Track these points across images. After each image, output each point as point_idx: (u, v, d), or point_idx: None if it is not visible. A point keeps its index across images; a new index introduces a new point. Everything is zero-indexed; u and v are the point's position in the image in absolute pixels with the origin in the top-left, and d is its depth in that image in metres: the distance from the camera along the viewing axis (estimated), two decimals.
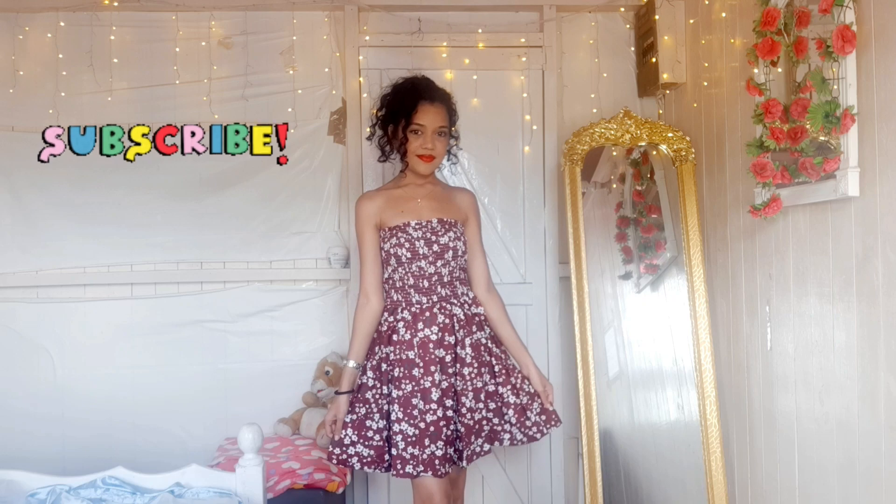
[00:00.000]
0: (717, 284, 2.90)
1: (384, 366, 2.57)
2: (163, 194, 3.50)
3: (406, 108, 2.58)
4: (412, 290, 2.57)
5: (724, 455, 2.81)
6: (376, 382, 2.58)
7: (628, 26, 3.58)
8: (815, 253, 2.19)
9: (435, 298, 2.57)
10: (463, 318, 2.59)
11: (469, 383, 2.56)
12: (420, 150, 2.58)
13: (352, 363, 2.59)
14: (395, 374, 2.52)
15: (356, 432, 2.54)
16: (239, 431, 2.44)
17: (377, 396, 2.57)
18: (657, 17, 3.24)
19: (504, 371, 2.66)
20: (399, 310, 2.58)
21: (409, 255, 2.56)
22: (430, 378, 2.50)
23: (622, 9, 3.56)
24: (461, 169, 3.52)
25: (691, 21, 3.18)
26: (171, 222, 3.51)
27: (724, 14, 2.83)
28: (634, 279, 3.29)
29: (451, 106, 2.67)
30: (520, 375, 2.69)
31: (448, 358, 2.55)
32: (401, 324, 2.56)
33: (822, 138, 2.03)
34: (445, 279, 2.59)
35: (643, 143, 3.11)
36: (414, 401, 2.49)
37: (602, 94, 3.57)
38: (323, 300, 3.59)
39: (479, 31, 3.50)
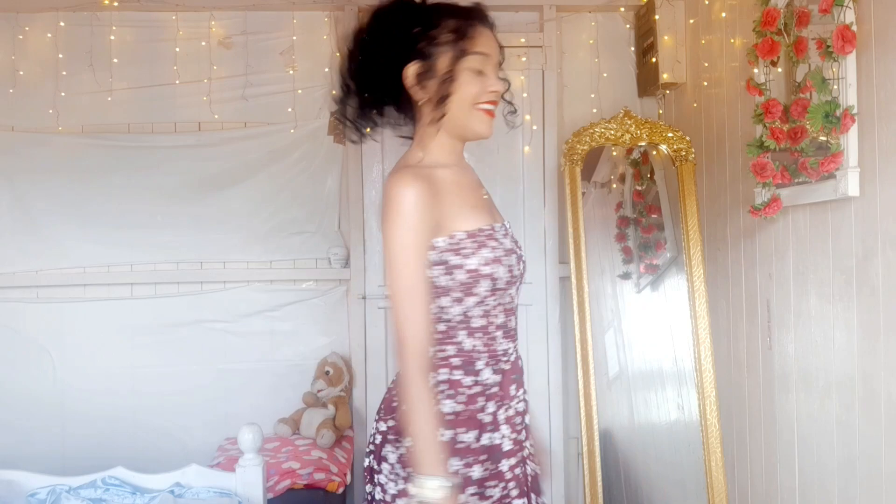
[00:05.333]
0: (717, 284, 2.90)
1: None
2: (163, 194, 3.50)
3: (460, 31, 1.56)
4: (500, 334, 1.61)
5: (724, 455, 2.81)
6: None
7: (628, 26, 3.58)
8: (815, 253, 2.19)
9: (516, 345, 1.66)
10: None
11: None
12: (486, 94, 1.59)
13: (441, 482, 1.43)
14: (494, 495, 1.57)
15: None
16: (239, 431, 2.44)
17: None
18: (657, 17, 3.24)
19: None
20: (476, 365, 1.58)
21: (507, 276, 1.57)
22: (520, 467, 1.63)
23: (622, 9, 3.56)
24: None
25: (691, 21, 3.18)
26: (172, 222, 3.51)
27: (724, 14, 2.83)
28: (634, 279, 3.29)
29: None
30: None
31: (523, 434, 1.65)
32: (493, 388, 1.60)
33: (822, 138, 2.03)
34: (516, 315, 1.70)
35: (643, 143, 3.11)
36: None
37: (602, 94, 3.57)
38: (323, 300, 3.59)
39: None
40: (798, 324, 2.30)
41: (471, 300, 1.55)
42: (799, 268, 2.29)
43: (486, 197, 1.71)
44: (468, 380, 1.57)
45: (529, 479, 1.66)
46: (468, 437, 1.55)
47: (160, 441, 3.44)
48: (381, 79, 1.60)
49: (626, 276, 3.29)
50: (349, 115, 1.65)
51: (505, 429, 1.59)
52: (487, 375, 1.58)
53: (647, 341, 3.21)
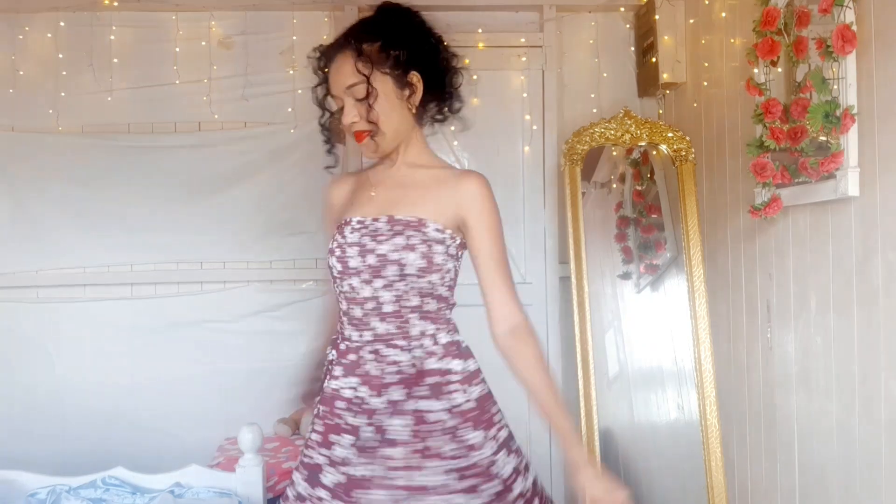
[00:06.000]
0: (717, 284, 2.90)
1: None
2: (163, 194, 3.50)
3: (322, 68, 1.78)
4: (345, 320, 1.74)
5: (724, 455, 2.81)
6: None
7: (628, 26, 3.58)
8: (815, 253, 2.19)
9: (368, 336, 1.70)
10: (410, 371, 1.68)
11: (387, 476, 1.63)
12: (347, 128, 1.75)
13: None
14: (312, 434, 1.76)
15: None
16: (239, 431, 2.44)
17: None
18: (657, 17, 3.24)
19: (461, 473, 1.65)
20: (337, 340, 1.78)
21: (340, 266, 1.72)
22: (326, 451, 1.69)
23: (622, 9, 3.56)
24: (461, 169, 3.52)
25: (691, 21, 3.18)
26: (172, 222, 3.51)
27: (724, 14, 2.83)
28: (634, 279, 3.29)
29: (360, 47, 1.69)
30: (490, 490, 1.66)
31: (368, 432, 1.66)
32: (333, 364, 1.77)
33: (822, 138, 2.03)
34: (387, 308, 1.69)
35: (643, 143, 3.11)
36: (295, 477, 1.75)
37: (602, 94, 3.57)
38: (323, 300, 3.58)
39: (479, 31, 3.50)
40: (798, 324, 2.30)
41: (330, 286, 1.80)
42: (799, 268, 2.29)
43: (373, 195, 1.78)
44: (331, 353, 1.77)
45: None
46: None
47: (160, 441, 3.44)
48: None
49: (626, 276, 3.29)
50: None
51: (321, 406, 1.74)
52: (332, 351, 1.76)
53: (647, 341, 3.21)
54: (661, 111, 3.52)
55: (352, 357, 1.70)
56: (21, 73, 3.48)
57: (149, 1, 3.40)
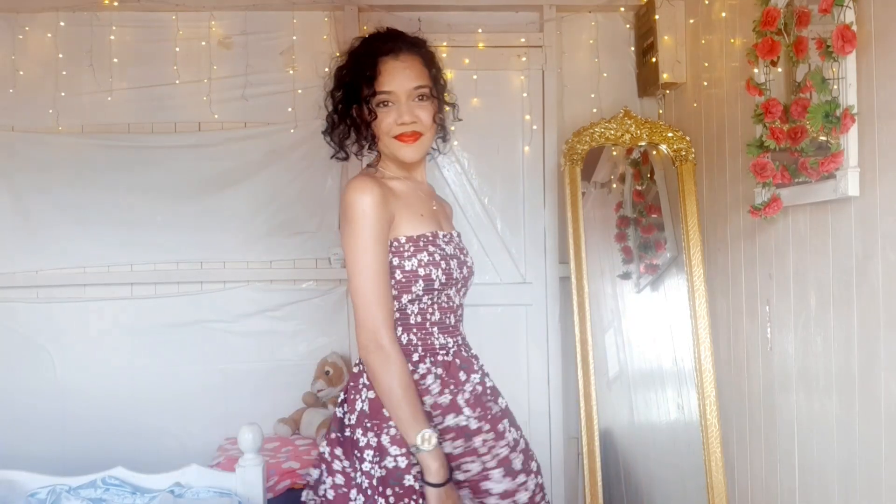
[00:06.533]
0: (717, 284, 2.90)
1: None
2: (163, 194, 3.50)
3: (364, 72, 1.77)
4: (436, 330, 1.81)
5: (724, 455, 2.81)
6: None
7: (628, 26, 3.58)
8: (815, 253, 2.19)
9: (460, 340, 1.87)
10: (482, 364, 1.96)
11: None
12: (396, 127, 1.77)
13: (430, 433, 1.67)
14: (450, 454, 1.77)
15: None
16: (239, 431, 2.44)
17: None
18: (657, 17, 3.24)
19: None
20: (415, 359, 1.79)
21: (444, 278, 1.78)
22: (504, 442, 1.84)
23: (622, 9, 3.56)
24: (461, 169, 3.52)
25: (691, 21, 3.18)
26: (172, 222, 3.51)
27: (724, 14, 2.83)
28: (634, 279, 3.29)
29: (430, 56, 1.84)
30: None
31: (502, 405, 1.92)
32: (429, 378, 1.79)
33: (822, 138, 2.03)
34: (461, 313, 1.91)
35: (643, 143, 3.11)
36: (488, 485, 1.80)
37: (602, 94, 3.56)
38: (323, 300, 3.59)
39: (479, 31, 3.50)
40: (798, 324, 2.30)
41: (405, 298, 1.76)
42: (799, 268, 2.29)
43: (434, 208, 1.89)
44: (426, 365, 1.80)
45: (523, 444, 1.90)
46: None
47: (160, 441, 3.44)
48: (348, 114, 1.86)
49: (626, 276, 3.29)
50: (334, 138, 1.89)
51: (468, 411, 1.79)
52: (424, 368, 1.78)
53: (647, 341, 3.21)
54: (661, 111, 3.52)
55: (458, 361, 1.84)
56: (21, 73, 3.48)
57: (149, 1, 3.40)
